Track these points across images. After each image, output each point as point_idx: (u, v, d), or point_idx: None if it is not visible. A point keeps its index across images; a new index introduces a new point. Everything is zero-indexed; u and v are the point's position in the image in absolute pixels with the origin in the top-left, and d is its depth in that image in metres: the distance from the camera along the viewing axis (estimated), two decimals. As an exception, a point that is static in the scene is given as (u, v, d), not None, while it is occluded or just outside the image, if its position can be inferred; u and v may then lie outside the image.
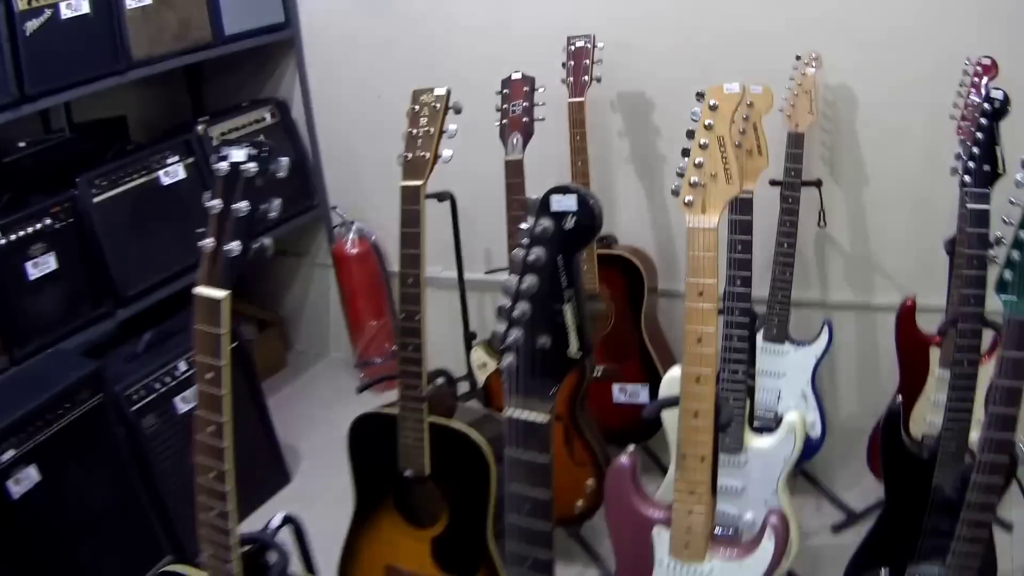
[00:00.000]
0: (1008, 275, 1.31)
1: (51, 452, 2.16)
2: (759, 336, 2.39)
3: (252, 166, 1.19)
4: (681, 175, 1.46)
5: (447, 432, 1.75)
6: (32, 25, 2.31)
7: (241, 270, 1.22)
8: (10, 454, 2.05)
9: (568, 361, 0.94)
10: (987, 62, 2.03)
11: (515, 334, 0.94)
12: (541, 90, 2.24)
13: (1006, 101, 1.71)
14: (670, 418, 1.79)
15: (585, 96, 2.39)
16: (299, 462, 2.96)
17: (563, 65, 2.41)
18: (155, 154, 2.71)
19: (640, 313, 2.48)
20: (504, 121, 2.21)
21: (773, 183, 2.30)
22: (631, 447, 1.59)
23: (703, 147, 1.44)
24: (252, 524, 2.58)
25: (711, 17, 2.48)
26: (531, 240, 0.94)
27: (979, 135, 1.69)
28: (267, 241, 1.23)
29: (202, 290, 1.25)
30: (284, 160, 1.22)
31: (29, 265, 2.35)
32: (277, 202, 1.22)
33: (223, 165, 1.22)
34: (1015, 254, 1.30)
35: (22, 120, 2.38)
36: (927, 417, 2.02)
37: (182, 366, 2.48)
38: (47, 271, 2.39)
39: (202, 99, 3.37)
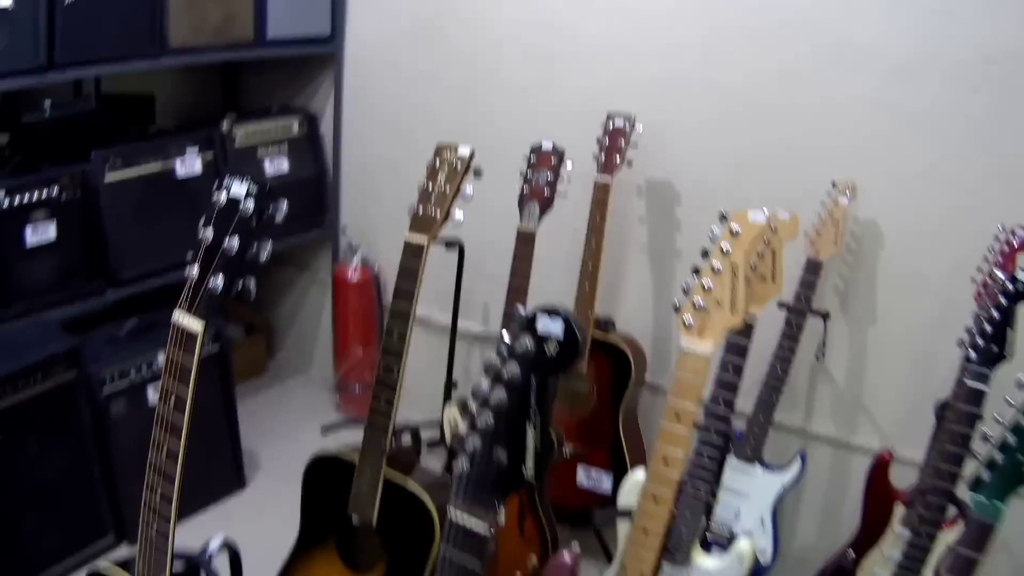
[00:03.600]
0: (985, 475, 1.28)
1: (13, 419, 2.18)
2: (730, 452, 2.37)
3: (250, 204, 1.18)
4: (686, 292, 1.45)
5: (401, 491, 1.75)
6: None
7: (221, 306, 1.21)
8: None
9: (520, 481, 0.93)
10: (1023, 235, 1.98)
11: (474, 443, 0.92)
12: (569, 164, 2.24)
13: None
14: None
15: (614, 176, 2.39)
16: (257, 470, 2.95)
17: (597, 140, 2.42)
18: (175, 142, 2.71)
19: (620, 404, 2.46)
20: (525, 189, 2.21)
21: (781, 306, 2.29)
22: (574, 544, 1.56)
23: (715, 272, 1.43)
24: (199, 522, 2.64)
25: (754, 122, 2.48)
26: (509, 355, 0.93)
27: (995, 313, 1.67)
28: (251, 283, 1.22)
29: (181, 318, 1.24)
30: (283, 204, 1.22)
31: (28, 230, 2.35)
32: (268, 244, 1.22)
33: (222, 197, 1.20)
34: (998, 456, 1.27)
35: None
36: (875, 570, 2.00)
37: (161, 358, 2.46)
38: (45, 240, 2.39)
39: (236, 94, 3.39)
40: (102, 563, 1.47)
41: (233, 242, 1.20)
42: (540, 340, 0.91)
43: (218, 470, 2.80)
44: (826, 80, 2.35)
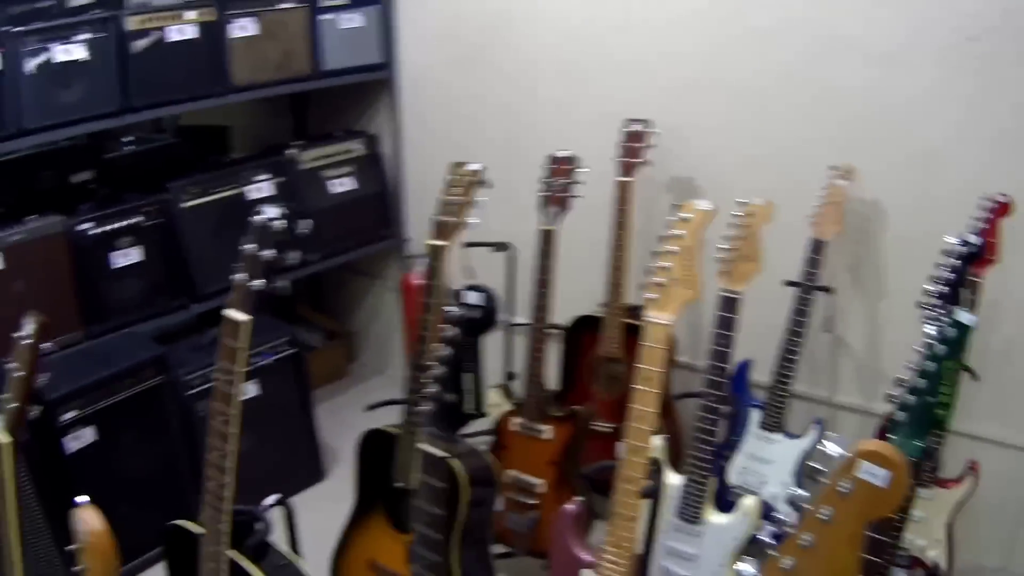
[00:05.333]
0: (901, 416, 1.45)
1: (109, 419, 2.49)
2: (754, 423, 2.56)
3: (280, 223, 1.48)
4: (650, 273, 1.70)
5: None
6: (140, 44, 2.63)
7: (261, 303, 1.52)
8: (72, 414, 2.40)
9: (464, 416, 1.20)
10: (1002, 199, 2.12)
11: (432, 388, 1.20)
12: (585, 169, 2.49)
13: (983, 248, 1.86)
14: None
15: (633, 177, 2.63)
16: (336, 464, 3.23)
17: (618, 145, 2.66)
18: (245, 170, 3.02)
19: (652, 382, 2.68)
20: (546, 194, 2.47)
21: (788, 283, 2.48)
22: (578, 499, 1.82)
23: (671, 253, 1.67)
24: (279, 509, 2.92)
25: (761, 117, 2.67)
26: (449, 320, 1.20)
27: (948, 274, 1.84)
28: (286, 283, 1.52)
29: (230, 312, 1.55)
30: (308, 221, 1.54)
31: (115, 254, 2.67)
32: (297, 254, 1.52)
33: (259, 219, 1.52)
34: (910, 399, 1.45)
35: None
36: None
37: (240, 362, 2.80)
38: (131, 261, 2.71)
39: (305, 121, 3.71)
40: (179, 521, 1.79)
41: (269, 251, 1.51)
42: (468, 308, 1.18)
43: (298, 464, 3.10)
44: (823, 73, 2.53)
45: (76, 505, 1.63)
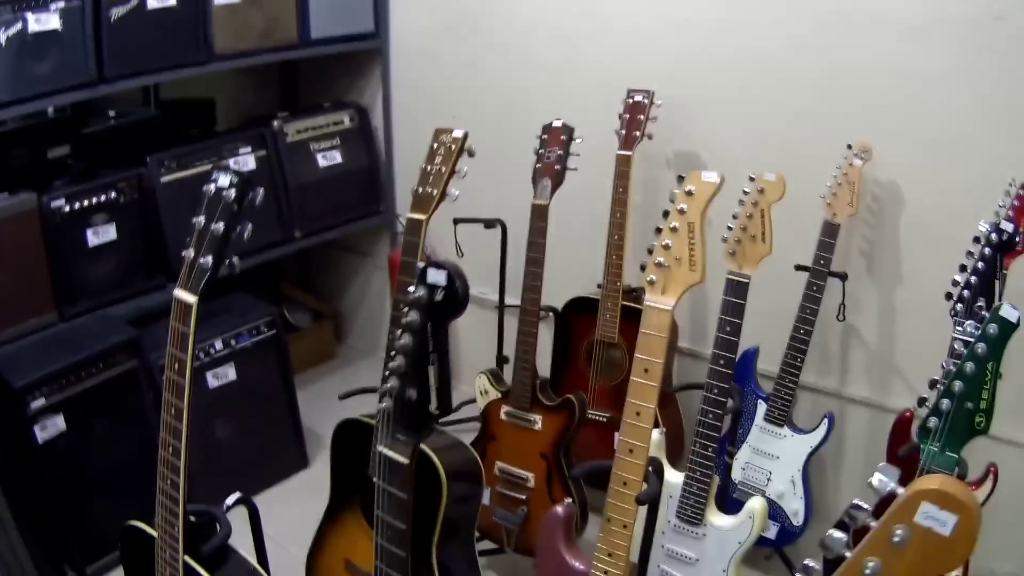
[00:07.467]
0: (933, 423, 1.30)
1: (80, 406, 2.35)
2: (760, 415, 2.41)
3: (232, 192, 1.32)
4: (650, 252, 1.53)
5: (414, 452, 1.86)
6: (118, 12, 2.48)
7: (212, 282, 1.36)
8: (40, 402, 2.26)
9: (428, 416, 1.04)
10: (1030, 189, 1.97)
11: (391, 383, 1.04)
12: (579, 140, 2.32)
13: (1015, 235, 1.69)
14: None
15: (633, 150, 2.46)
16: (322, 450, 3.08)
17: (619, 116, 2.49)
18: (228, 143, 2.88)
19: (651, 370, 2.53)
20: (538, 165, 2.30)
21: (799, 268, 2.33)
22: (568, 501, 1.66)
23: (673, 230, 1.50)
24: (263, 499, 2.76)
25: (772, 91, 2.51)
26: (408, 304, 1.04)
27: (980, 264, 1.68)
28: (235, 260, 1.36)
29: (178, 293, 1.39)
30: (260, 190, 1.35)
31: (90, 232, 2.55)
32: (248, 226, 1.35)
33: (210, 187, 1.35)
34: (944, 404, 1.30)
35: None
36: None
37: (218, 344, 2.67)
38: (107, 240, 2.58)
39: (294, 93, 3.57)
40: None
41: (220, 224, 1.35)
42: (430, 289, 1.02)
43: (281, 450, 2.97)
44: (839, 46, 2.37)
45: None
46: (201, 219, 1.38)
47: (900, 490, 0.79)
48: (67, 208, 2.49)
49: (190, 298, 1.38)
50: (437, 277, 1.00)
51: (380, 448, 1.11)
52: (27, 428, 2.26)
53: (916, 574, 0.76)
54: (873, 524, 0.80)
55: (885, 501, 0.78)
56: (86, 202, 2.53)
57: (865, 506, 0.85)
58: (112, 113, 2.77)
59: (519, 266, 2.71)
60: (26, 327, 2.45)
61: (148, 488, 2.49)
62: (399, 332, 1.03)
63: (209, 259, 1.36)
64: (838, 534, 0.85)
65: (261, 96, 3.55)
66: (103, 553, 2.48)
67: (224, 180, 1.36)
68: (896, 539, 0.76)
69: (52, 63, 2.40)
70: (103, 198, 2.57)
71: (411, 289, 1.03)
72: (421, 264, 1.05)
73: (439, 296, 1.00)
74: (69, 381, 2.34)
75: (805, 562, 0.91)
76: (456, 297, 1.00)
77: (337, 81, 3.50)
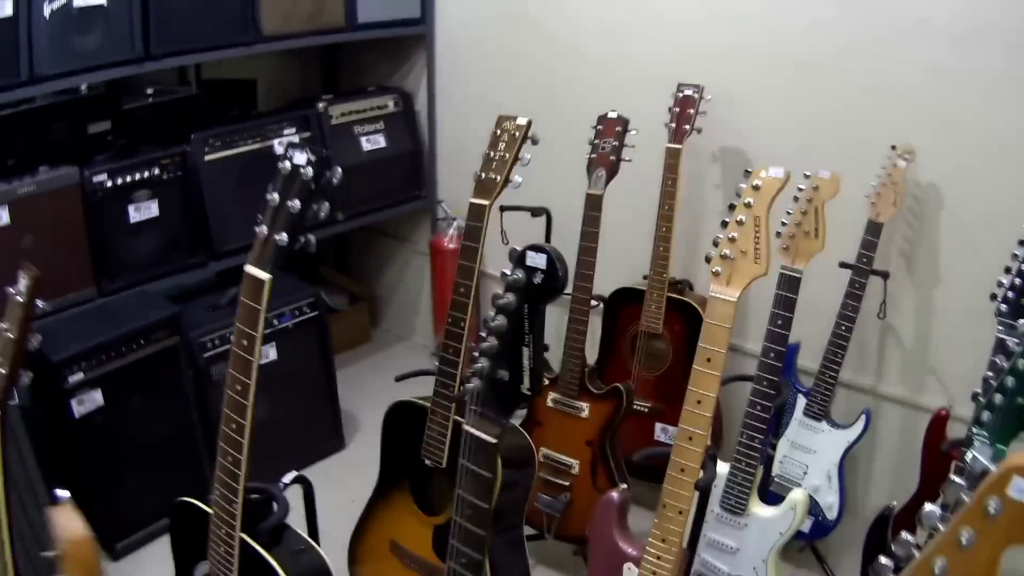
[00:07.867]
0: (986, 417, 1.32)
1: (118, 381, 2.36)
2: (799, 410, 2.43)
3: (309, 171, 1.33)
4: (716, 244, 1.55)
5: (466, 434, 1.87)
6: None
7: (285, 259, 1.37)
8: (78, 377, 2.27)
9: (520, 396, 1.06)
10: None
11: (482, 362, 1.06)
12: (634, 132, 2.33)
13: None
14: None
15: (683, 144, 2.47)
16: (357, 432, 3.13)
17: (669, 110, 2.50)
18: (272, 123, 2.88)
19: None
20: (592, 155, 2.31)
21: (843, 265, 2.34)
22: (623, 486, 1.68)
23: (739, 223, 1.52)
24: None
25: (820, 91, 2.52)
26: (506, 286, 1.06)
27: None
28: (312, 238, 1.37)
29: (251, 269, 1.41)
30: (338, 169, 1.36)
31: (131, 208, 2.54)
32: (326, 205, 1.37)
33: (286, 164, 1.36)
34: (997, 398, 1.31)
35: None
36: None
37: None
38: (148, 216, 2.58)
39: (336, 76, 3.57)
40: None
41: (296, 202, 1.36)
42: (529, 271, 1.03)
43: (318, 431, 2.98)
44: (887, 50, 2.38)
45: (55, 500, 1.43)
46: (275, 196, 1.39)
47: (992, 467, 0.83)
48: (109, 183, 2.49)
49: (263, 275, 1.40)
50: (537, 260, 1.02)
51: (466, 427, 1.13)
52: (64, 402, 2.28)
53: (1003, 542, 0.84)
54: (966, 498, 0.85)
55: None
56: (128, 178, 2.53)
57: (960, 481, 0.90)
58: (150, 91, 2.75)
59: (565, 253, 2.72)
60: (64, 301, 2.46)
61: (183, 465, 2.55)
62: (493, 313, 1.05)
63: (284, 236, 1.36)
64: (933, 508, 0.90)
65: (302, 79, 3.56)
66: (133, 530, 2.50)
67: (301, 158, 1.37)
68: (991, 510, 0.82)
69: (97, 38, 2.40)
70: (146, 174, 2.57)
71: (507, 272, 1.05)
72: (512, 248, 1.06)
73: (538, 279, 1.02)
74: (109, 356, 2.35)
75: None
76: (556, 280, 1.02)
77: (380, 66, 3.50)
